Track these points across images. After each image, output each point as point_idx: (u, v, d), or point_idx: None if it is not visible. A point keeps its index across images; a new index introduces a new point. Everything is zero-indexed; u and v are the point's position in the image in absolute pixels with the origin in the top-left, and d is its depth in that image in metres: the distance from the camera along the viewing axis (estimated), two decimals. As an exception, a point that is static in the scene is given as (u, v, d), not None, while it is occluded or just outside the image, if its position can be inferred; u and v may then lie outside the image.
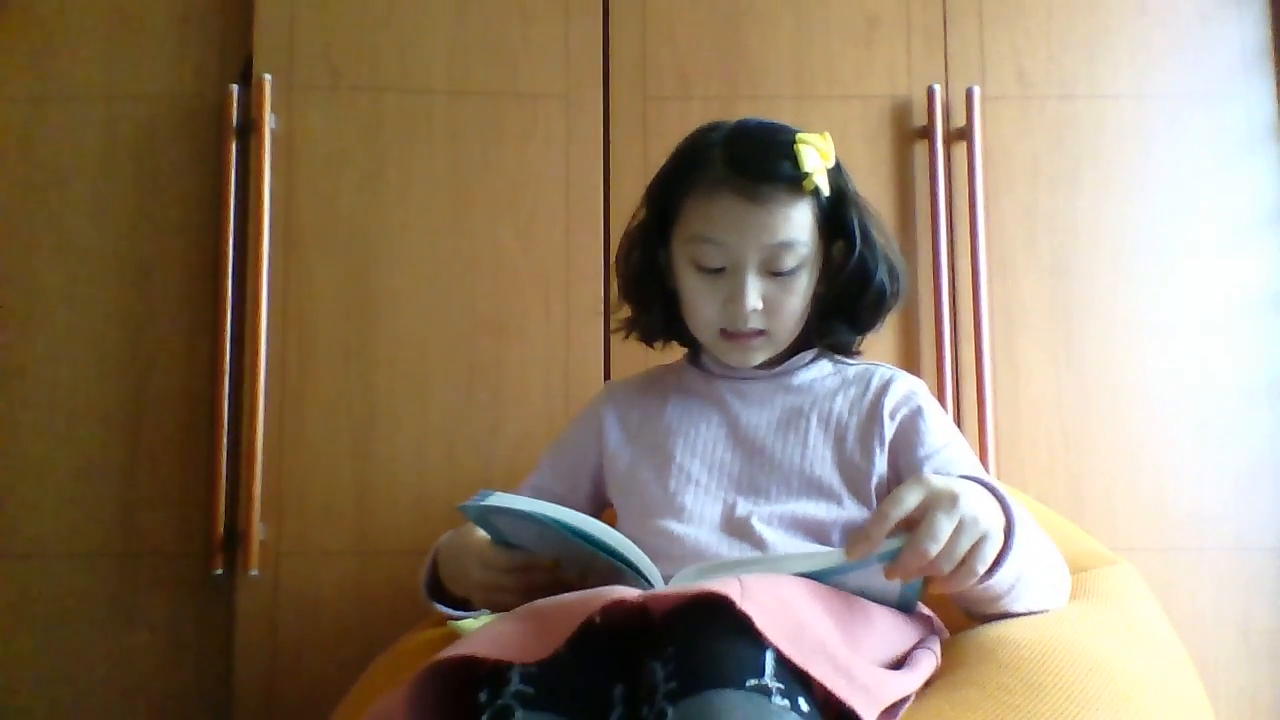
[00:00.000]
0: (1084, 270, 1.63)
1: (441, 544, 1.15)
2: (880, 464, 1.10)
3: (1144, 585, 1.16)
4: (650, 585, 0.86)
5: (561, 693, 0.74)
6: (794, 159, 1.06)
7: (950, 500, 0.81)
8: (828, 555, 0.84)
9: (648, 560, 0.89)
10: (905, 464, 1.11)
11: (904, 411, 1.12)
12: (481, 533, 1.02)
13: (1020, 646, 0.90)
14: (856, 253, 1.11)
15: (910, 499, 0.81)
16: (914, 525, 0.81)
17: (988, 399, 1.57)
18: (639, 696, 0.76)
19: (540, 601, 0.80)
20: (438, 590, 1.14)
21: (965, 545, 0.81)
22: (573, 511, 0.90)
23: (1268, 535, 1.59)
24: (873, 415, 1.12)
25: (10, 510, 1.55)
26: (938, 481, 0.83)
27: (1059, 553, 1.05)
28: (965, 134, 1.62)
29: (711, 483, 1.11)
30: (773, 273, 1.09)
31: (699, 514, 1.09)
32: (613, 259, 1.25)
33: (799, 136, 1.08)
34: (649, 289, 1.18)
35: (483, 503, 0.89)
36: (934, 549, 0.79)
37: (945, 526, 0.80)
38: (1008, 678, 0.86)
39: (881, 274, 1.13)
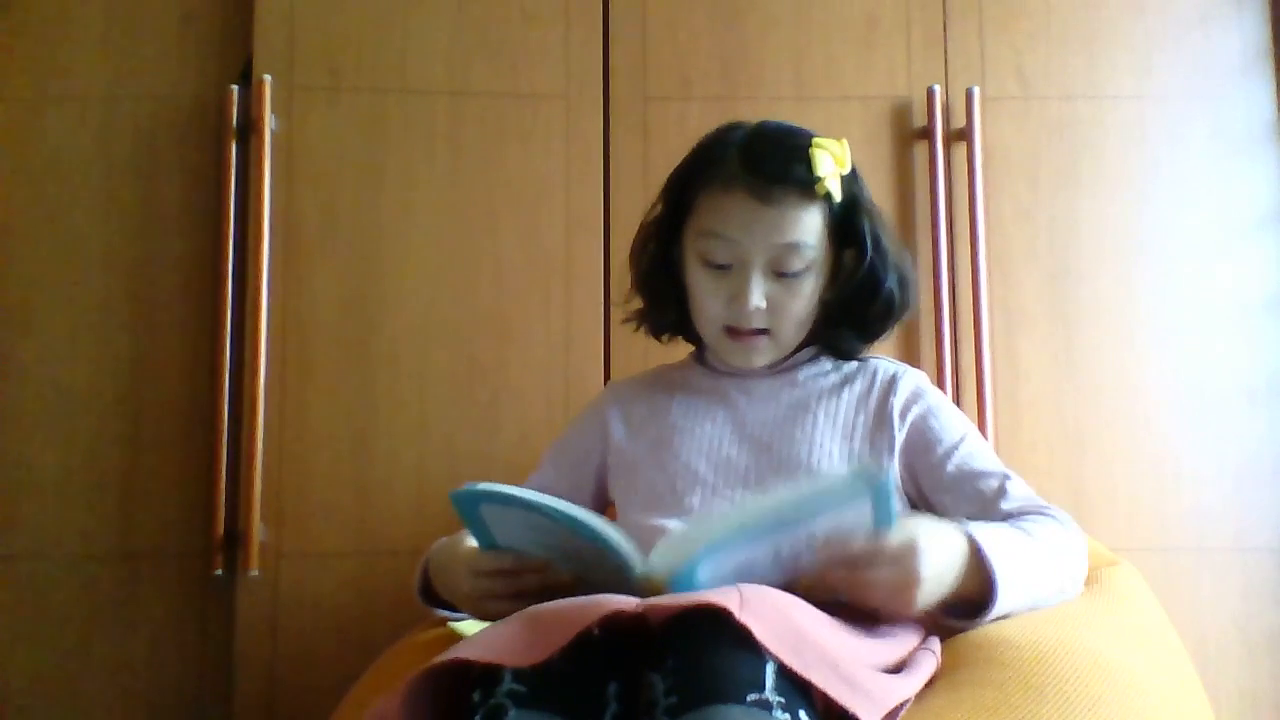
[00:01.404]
0: (1084, 270, 1.63)
1: (432, 553, 1.15)
2: (892, 468, 1.10)
3: (1144, 585, 1.16)
4: (633, 570, 0.86)
5: (555, 691, 0.74)
6: (808, 163, 1.07)
7: (911, 559, 0.86)
8: (823, 481, 0.85)
9: (630, 545, 0.88)
10: (923, 465, 1.11)
11: (914, 413, 1.13)
12: (471, 541, 1.02)
13: (1020, 646, 0.90)
14: (867, 261, 1.12)
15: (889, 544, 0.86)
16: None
17: (988, 399, 1.57)
18: (636, 702, 0.76)
19: (538, 607, 0.79)
20: (431, 597, 1.14)
21: (885, 578, 0.85)
22: (558, 499, 0.90)
23: (1268, 535, 1.59)
24: (881, 417, 1.12)
25: (10, 510, 1.54)
26: (922, 541, 0.87)
27: (1078, 543, 1.05)
28: (965, 134, 1.62)
29: (719, 480, 1.11)
30: (779, 273, 1.10)
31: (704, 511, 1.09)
32: (613, 259, 1.26)
33: (815, 141, 1.09)
34: (662, 282, 1.19)
35: (474, 489, 0.91)
36: (850, 569, 0.85)
37: (883, 573, 0.85)
38: (1008, 678, 0.86)
39: (891, 283, 1.13)
